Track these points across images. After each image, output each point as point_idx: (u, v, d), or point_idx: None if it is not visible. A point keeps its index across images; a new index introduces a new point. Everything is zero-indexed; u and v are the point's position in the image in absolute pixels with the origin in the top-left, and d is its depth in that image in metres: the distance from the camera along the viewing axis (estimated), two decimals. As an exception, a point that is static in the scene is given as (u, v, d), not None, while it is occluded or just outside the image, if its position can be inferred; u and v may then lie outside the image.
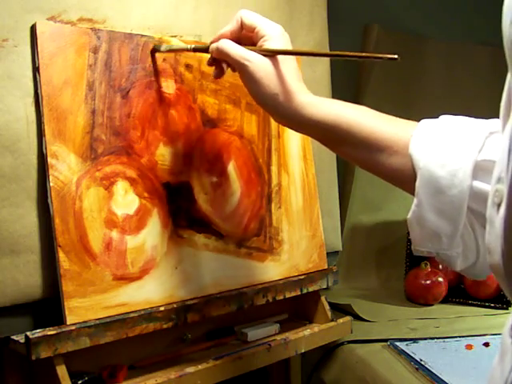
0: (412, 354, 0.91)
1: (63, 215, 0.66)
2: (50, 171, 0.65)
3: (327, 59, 1.03)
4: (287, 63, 0.64)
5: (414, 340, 0.98)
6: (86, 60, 0.70)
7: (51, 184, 0.65)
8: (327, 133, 0.61)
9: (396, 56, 0.55)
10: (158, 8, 0.79)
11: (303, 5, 0.99)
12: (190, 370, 0.73)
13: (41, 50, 0.66)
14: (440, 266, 1.29)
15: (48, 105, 0.66)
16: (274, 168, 0.90)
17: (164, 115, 0.77)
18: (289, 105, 0.62)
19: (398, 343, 0.96)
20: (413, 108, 1.38)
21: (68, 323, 0.64)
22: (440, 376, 0.83)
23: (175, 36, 0.80)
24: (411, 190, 0.56)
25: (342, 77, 1.15)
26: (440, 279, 1.24)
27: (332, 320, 0.94)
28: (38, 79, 0.66)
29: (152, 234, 0.73)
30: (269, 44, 0.64)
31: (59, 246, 0.65)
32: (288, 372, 1.02)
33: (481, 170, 0.52)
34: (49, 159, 0.65)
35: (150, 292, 0.72)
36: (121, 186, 0.71)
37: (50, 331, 0.62)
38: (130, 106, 0.73)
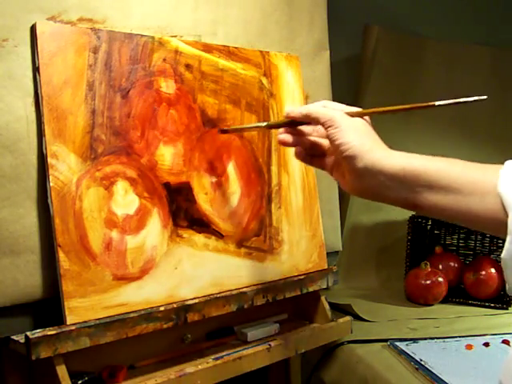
0: (412, 354, 0.91)
1: (63, 215, 0.66)
2: (50, 171, 0.65)
3: (327, 59, 1.03)
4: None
5: (414, 340, 0.98)
6: (86, 60, 0.70)
7: (51, 184, 0.65)
8: (414, 179, 0.60)
9: (485, 97, 0.55)
10: (158, 8, 0.79)
11: (303, 5, 0.99)
12: (190, 369, 0.73)
13: (41, 50, 0.66)
14: (440, 266, 1.29)
15: (48, 105, 0.66)
16: (274, 168, 0.90)
17: (164, 115, 0.77)
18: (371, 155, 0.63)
19: (398, 343, 0.96)
20: (413, 108, 1.38)
21: (68, 323, 0.64)
22: (440, 376, 0.83)
23: (175, 36, 0.80)
24: (503, 232, 0.54)
25: (342, 77, 1.15)
26: (440, 279, 1.24)
27: (332, 320, 0.94)
28: (38, 79, 0.66)
29: (152, 234, 0.73)
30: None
31: (59, 246, 0.65)
32: (288, 372, 1.02)
33: None
34: (49, 159, 0.65)
35: (150, 292, 0.72)
36: (121, 186, 0.71)
37: (50, 331, 0.62)
38: (129, 106, 0.73)
